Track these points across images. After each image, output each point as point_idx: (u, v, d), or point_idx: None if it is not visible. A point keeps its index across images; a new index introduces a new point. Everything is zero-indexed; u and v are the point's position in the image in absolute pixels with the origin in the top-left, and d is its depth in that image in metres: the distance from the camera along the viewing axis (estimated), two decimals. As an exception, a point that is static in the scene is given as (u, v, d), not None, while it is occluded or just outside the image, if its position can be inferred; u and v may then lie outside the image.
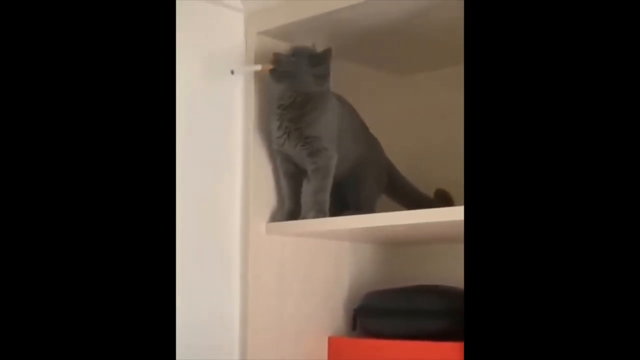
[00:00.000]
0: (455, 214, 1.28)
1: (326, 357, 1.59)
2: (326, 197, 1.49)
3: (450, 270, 1.68)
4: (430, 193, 1.70)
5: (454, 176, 1.71)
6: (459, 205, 1.30)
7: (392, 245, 1.73)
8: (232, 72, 1.48)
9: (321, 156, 1.48)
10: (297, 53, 1.47)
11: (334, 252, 1.63)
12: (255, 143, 1.53)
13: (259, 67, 1.47)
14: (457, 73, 1.72)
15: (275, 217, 1.54)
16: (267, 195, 1.54)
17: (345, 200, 1.55)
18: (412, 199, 1.62)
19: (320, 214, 1.47)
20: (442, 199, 1.61)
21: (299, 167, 1.52)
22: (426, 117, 1.77)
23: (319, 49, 1.49)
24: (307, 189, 1.52)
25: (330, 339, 1.60)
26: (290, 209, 1.52)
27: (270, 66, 1.45)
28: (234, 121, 1.54)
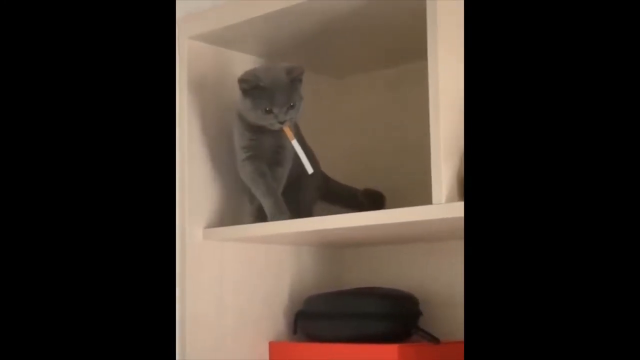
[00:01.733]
0: (395, 216, 1.27)
1: (267, 362, 1.58)
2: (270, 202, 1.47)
3: (390, 272, 1.68)
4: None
5: (389, 176, 1.71)
6: (394, 206, 1.30)
7: (333, 248, 1.73)
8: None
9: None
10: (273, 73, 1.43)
11: (273, 257, 1.62)
12: (191, 148, 1.51)
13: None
14: (390, 75, 1.73)
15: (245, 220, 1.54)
16: (204, 200, 1.52)
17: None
18: (349, 199, 1.63)
19: (258, 219, 1.49)
20: (371, 198, 1.62)
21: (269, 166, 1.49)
22: (361, 119, 1.77)
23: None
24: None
25: (271, 344, 1.59)
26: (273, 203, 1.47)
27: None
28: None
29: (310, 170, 1.43)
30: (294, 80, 1.42)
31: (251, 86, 1.41)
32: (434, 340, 1.47)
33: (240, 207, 1.57)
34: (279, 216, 1.43)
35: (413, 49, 1.61)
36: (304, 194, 1.54)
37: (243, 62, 1.60)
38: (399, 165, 1.70)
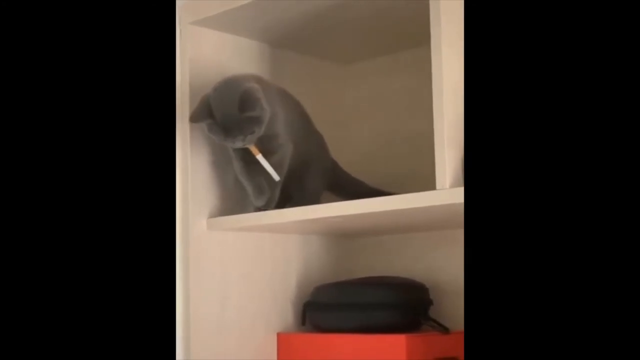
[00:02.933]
0: (401, 203, 1.24)
1: (276, 354, 1.56)
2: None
3: (400, 262, 1.66)
4: (375, 182, 1.67)
5: (397, 164, 1.68)
6: (400, 193, 1.27)
7: (341, 237, 1.70)
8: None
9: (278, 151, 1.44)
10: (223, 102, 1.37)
11: (280, 246, 1.59)
12: (193, 138, 1.49)
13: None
14: (396, 60, 1.70)
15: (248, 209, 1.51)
16: (207, 190, 1.50)
17: (289, 195, 1.51)
18: (358, 193, 1.59)
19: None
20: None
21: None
22: (366, 105, 1.74)
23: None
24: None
25: (279, 335, 1.56)
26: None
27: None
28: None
29: (276, 178, 1.41)
30: (247, 116, 1.35)
31: (205, 121, 1.37)
32: (444, 329, 1.44)
33: (244, 196, 1.54)
34: (259, 197, 1.41)
35: (419, 34, 1.58)
36: (309, 181, 1.51)
37: (246, 48, 1.58)
38: (405, 152, 1.67)
